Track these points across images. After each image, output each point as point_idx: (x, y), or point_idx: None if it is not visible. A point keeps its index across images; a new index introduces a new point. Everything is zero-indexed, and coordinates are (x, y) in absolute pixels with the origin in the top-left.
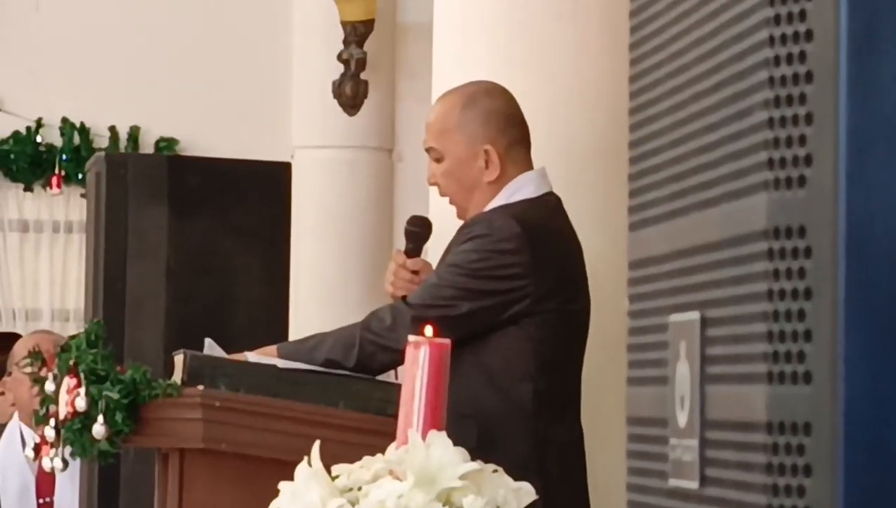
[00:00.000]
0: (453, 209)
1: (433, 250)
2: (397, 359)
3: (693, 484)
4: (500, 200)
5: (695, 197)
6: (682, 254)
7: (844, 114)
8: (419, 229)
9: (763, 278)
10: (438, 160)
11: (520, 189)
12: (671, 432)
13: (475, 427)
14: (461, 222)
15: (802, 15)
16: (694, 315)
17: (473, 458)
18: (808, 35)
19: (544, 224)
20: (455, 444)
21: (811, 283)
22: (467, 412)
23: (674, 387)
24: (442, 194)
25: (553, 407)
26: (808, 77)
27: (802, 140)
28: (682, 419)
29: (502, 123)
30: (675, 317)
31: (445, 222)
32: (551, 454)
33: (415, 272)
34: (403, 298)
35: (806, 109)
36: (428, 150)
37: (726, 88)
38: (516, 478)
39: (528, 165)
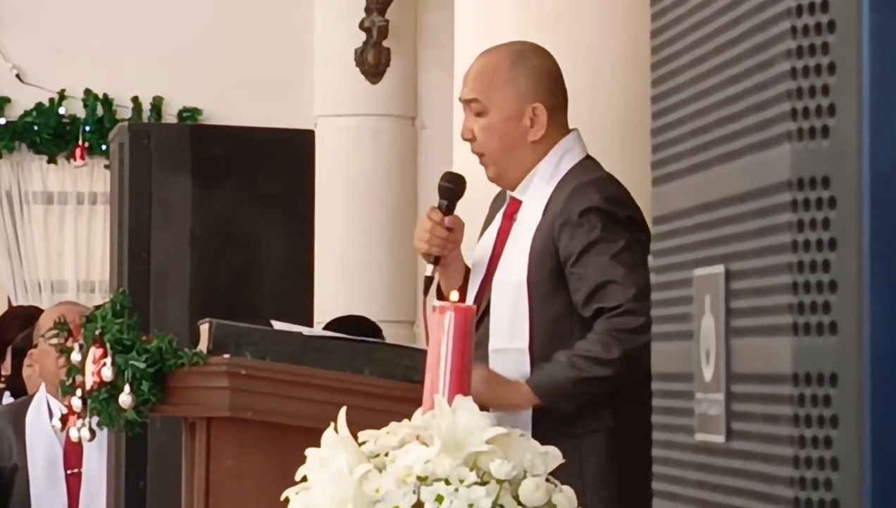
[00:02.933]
0: (481, 170)
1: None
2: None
3: (719, 438)
4: (551, 162)
5: (718, 150)
6: (705, 208)
7: (867, 62)
8: (454, 186)
9: (787, 230)
10: (480, 114)
11: (569, 150)
12: (697, 386)
13: (613, 407)
14: (491, 182)
15: None
16: (718, 269)
17: (610, 439)
18: None
19: (616, 181)
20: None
21: (836, 233)
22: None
23: (699, 342)
24: (476, 151)
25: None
26: (831, 26)
27: (826, 90)
28: (707, 373)
29: (551, 83)
30: (700, 271)
31: (471, 185)
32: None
33: (449, 229)
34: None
35: (829, 58)
36: (468, 102)
37: (748, 39)
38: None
39: (567, 129)
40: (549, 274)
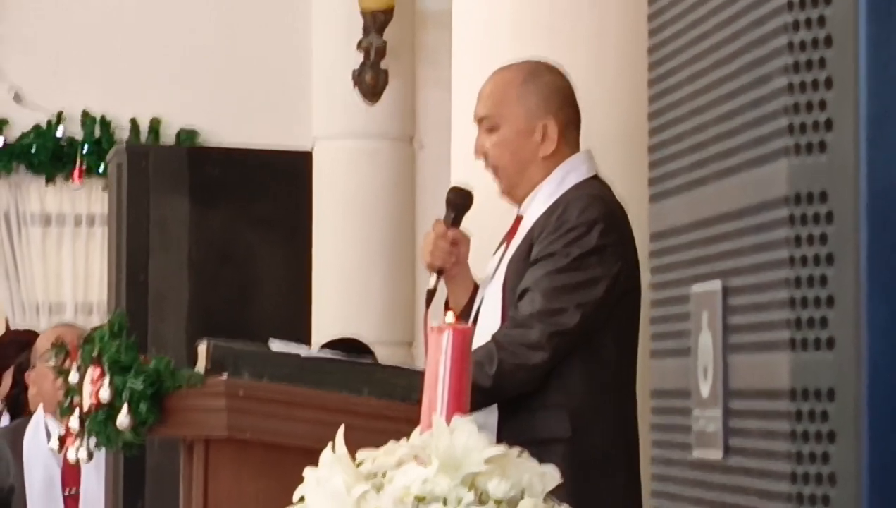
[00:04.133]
0: (481, 190)
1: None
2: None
3: (717, 454)
4: (554, 179)
5: (715, 166)
6: (703, 224)
7: (864, 78)
8: (461, 200)
9: (785, 245)
10: (492, 130)
11: (574, 169)
12: (694, 403)
13: (567, 416)
14: (502, 196)
15: None
16: (715, 285)
17: (567, 447)
18: None
19: (617, 204)
20: (549, 435)
21: (833, 249)
22: (560, 402)
23: (696, 358)
24: (489, 166)
25: (629, 386)
26: (828, 41)
27: (823, 105)
28: (704, 389)
29: (562, 101)
30: (697, 287)
31: (481, 199)
32: (631, 432)
33: (454, 244)
34: (440, 272)
35: (826, 73)
36: (481, 119)
37: (746, 54)
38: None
39: (578, 148)
40: (519, 280)
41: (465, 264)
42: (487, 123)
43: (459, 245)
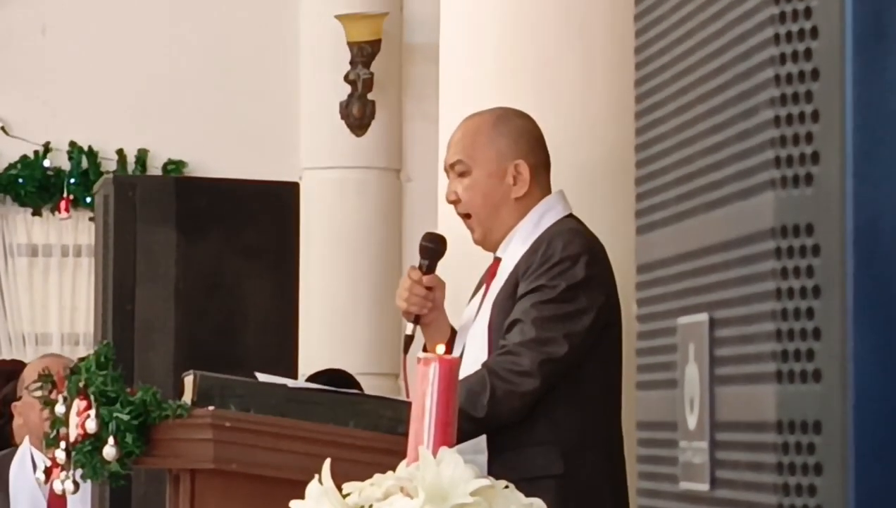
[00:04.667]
0: (464, 228)
1: (440, 269)
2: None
3: (704, 486)
4: (531, 220)
5: (702, 198)
6: (689, 256)
7: (851, 111)
8: (434, 246)
9: (771, 277)
10: (463, 175)
11: (551, 209)
12: (681, 435)
13: (559, 452)
14: (473, 242)
15: (808, 12)
16: (702, 317)
17: (559, 483)
18: (814, 32)
19: (596, 239)
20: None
21: (819, 281)
22: (549, 439)
23: (683, 390)
24: (461, 212)
25: (616, 419)
26: (815, 74)
27: (809, 138)
28: (691, 421)
29: (532, 143)
30: (684, 319)
31: (455, 241)
32: (619, 466)
33: (429, 289)
34: (416, 318)
35: (812, 106)
36: (452, 165)
37: (732, 87)
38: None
39: (549, 190)
40: (506, 317)
41: (442, 310)
42: (459, 168)
43: (435, 291)
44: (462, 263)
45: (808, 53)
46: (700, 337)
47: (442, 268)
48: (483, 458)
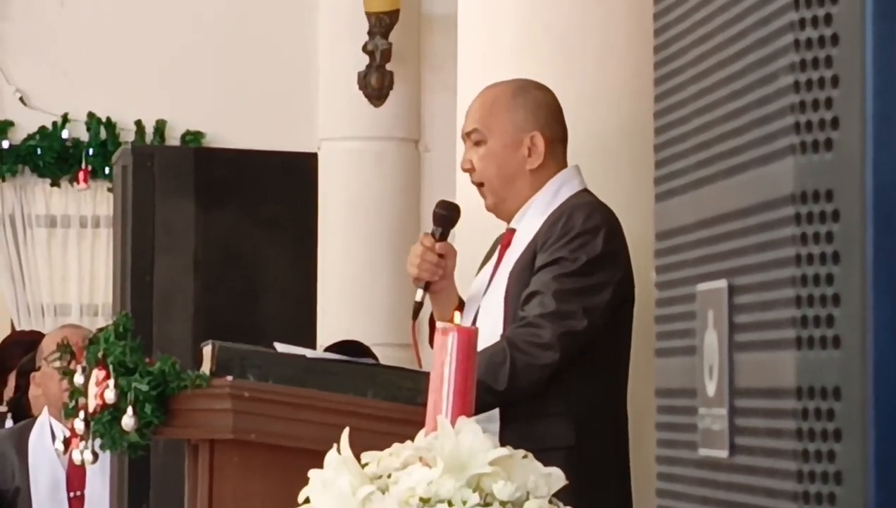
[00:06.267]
0: (481, 199)
1: (457, 239)
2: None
3: (723, 453)
4: (548, 192)
5: (721, 165)
6: (708, 223)
7: (871, 76)
8: (448, 213)
9: (791, 243)
10: (479, 143)
11: (567, 183)
12: (700, 402)
13: (571, 424)
14: (489, 211)
15: None
16: (721, 283)
17: (570, 455)
18: None
19: (613, 214)
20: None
21: (839, 247)
22: (561, 410)
23: (702, 357)
24: (475, 181)
25: (623, 395)
26: (834, 39)
27: (829, 103)
28: (710, 388)
29: (549, 116)
30: (703, 286)
31: (472, 211)
32: (624, 440)
33: (441, 256)
34: (427, 285)
35: (832, 71)
36: (468, 133)
37: (751, 53)
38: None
39: (565, 164)
40: (523, 289)
41: (451, 279)
42: (475, 137)
43: (447, 259)
44: (477, 234)
45: (827, 19)
46: (719, 304)
47: (458, 239)
48: (495, 427)
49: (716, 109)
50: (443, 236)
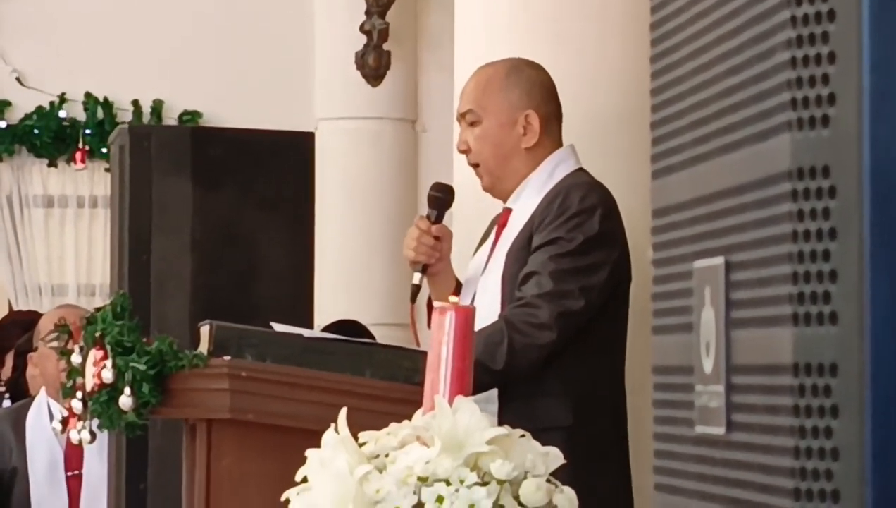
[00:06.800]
0: (477, 182)
1: (455, 220)
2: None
3: (720, 430)
4: (544, 171)
5: (718, 141)
6: (705, 199)
7: (867, 52)
8: (443, 195)
9: (787, 220)
10: (474, 124)
11: (563, 161)
12: (697, 379)
13: (570, 403)
14: (485, 191)
15: None
16: (718, 260)
17: (568, 434)
18: None
19: (610, 193)
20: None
21: (836, 223)
22: (559, 390)
23: (699, 334)
24: (472, 162)
25: (621, 375)
26: (831, 15)
27: (825, 79)
28: (707, 365)
29: (544, 94)
30: (700, 263)
31: (469, 192)
32: (623, 421)
33: (437, 239)
34: (424, 268)
35: (829, 47)
36: (463, 114)
37: (748, 29)
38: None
39: (560, 142)
40: (521, 268)
41: (448, 260)
42: (470, 117)
43: (443, 241)
44: (474, 214)
45: None
46: (716, 281)
47: (456, 220)
48: (494, 408)
49: (712, 86)
50: (438, 219)
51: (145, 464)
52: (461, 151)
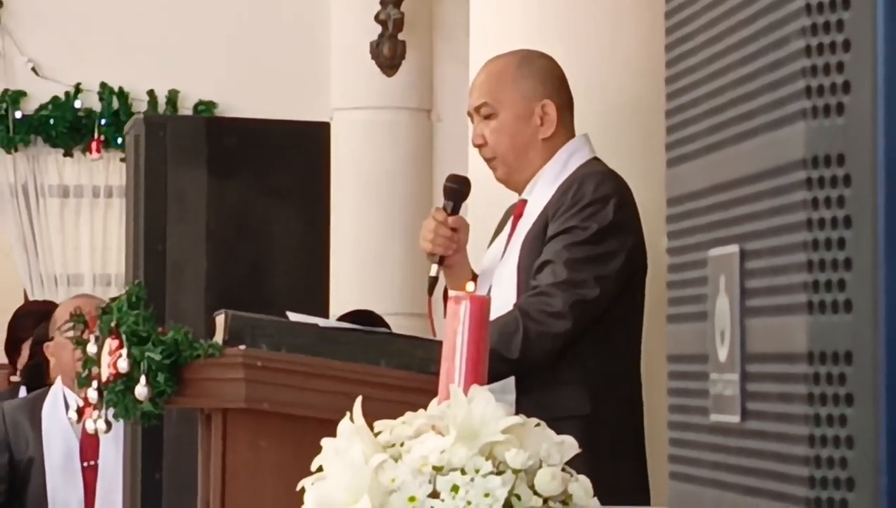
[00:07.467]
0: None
1: (470, 211)
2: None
3: (734, 418)
4: (558, 161)
5: (732, 129)
6: (720, 188)
7: (883, 40)
8: (459, 187)
9: (802, 208)
10: (489, 117)
11: (577, 151)
12: (712, 367)
13: (587, 392)
14: (499, 182)
15: None
16: (733, 248)
17: (585, 423)
18: None
19: (624, 182)
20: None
21: (851, 211)
22: (576, 379)
23: (713, 322)
24: (488, 156)
25: (637, 365)
26: (846, 3)
27: (840, 67)
28: (722, 353)
29: (557, 83)
30: (714, 251)
31: (485, 182)
32: (640, 410)
33: (454, 230)
34: (440, 259)
35: (843, 35)
36: (478, 108)
37: (762, 17)
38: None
39: (574, 132)
40: (536, 258)
41: (465, 252)
42: (485, 111)
43: (459, 232)
44: (489, 205)
45: None
46: (731, 269)
47: (471, 211)
48: (511, 397)
49: (727, 74)
50: (454, 210)
51: (161, 454)
52: (476, 146)
